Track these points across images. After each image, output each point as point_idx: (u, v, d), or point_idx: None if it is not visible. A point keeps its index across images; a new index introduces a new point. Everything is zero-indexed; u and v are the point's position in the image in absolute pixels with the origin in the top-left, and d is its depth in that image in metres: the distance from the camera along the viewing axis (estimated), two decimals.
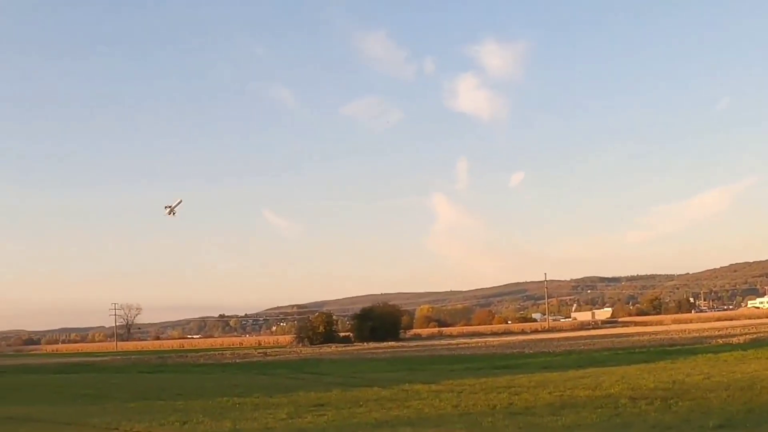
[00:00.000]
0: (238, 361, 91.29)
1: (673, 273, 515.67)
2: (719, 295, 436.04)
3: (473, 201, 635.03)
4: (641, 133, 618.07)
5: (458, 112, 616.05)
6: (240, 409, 31.59)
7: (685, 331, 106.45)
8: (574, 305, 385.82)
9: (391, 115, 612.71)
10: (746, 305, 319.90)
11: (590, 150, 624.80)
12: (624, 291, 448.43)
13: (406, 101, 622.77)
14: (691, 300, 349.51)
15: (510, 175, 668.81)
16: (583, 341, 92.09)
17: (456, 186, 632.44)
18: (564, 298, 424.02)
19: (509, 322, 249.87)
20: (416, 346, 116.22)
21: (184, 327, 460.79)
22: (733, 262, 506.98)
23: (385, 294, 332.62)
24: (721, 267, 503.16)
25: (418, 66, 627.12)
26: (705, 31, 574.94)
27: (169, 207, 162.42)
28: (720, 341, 68.55)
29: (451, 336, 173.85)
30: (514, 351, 76.62)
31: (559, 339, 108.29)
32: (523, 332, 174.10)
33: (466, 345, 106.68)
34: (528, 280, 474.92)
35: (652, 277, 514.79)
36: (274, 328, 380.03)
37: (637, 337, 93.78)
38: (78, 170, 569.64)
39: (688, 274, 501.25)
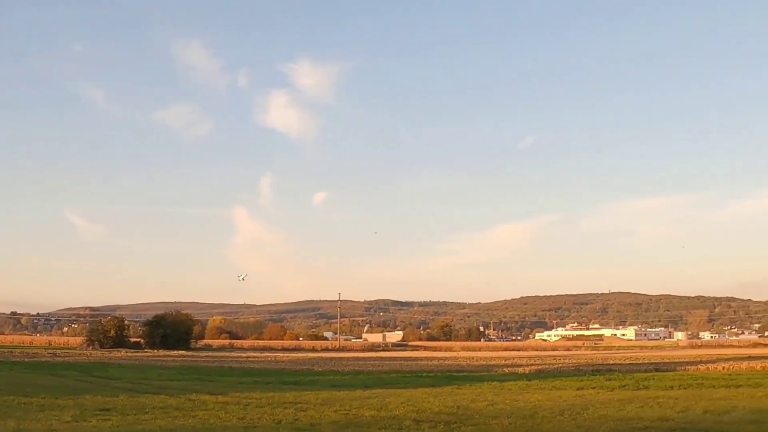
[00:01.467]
0: (27, 360, 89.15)
1: (465, 301, 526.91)
2: (509, 325, 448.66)
3: (275, 217, 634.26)
4: (447, 164, 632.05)
5: (267, 127, 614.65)
6: (25, 409, 30.97)
7: (473, 358, 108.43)
8: (366, 326, 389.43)
9: (201, 125, 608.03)
10: (534, 337, 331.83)
11: (395, 176, 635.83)
12: (416, 316, 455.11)
13: (217, 112, 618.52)
14: (481, 329, 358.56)
15: (314, 193, 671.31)
16: (372, 362, 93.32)
17: (259, 201, 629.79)
18: (357, 318, 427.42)
19: (301, 338, 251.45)
20: (206, 356, 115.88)
21: None
22: (524, 295, 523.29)
23: (179, 302, 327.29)
24: (512, 299, 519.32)
25: (231, 78, 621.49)
26: (513, 70, 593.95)
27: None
28: (506, 370, 70.37)
29: (242, 349, 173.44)
30: (304, 368, 77.40)
31: (348, 359, 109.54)
32: (313, 350, 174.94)
33: (256, 359, 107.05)
34: (322, 299, 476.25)
35: (445, 304, 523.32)
36: (65, 329, 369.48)
37: (425, 362, 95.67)
38: None
39: (479, 303, 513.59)
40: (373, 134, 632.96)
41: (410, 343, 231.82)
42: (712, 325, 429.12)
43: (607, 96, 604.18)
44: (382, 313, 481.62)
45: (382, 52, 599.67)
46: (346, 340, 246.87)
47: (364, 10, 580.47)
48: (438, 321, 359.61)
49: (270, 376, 61.14)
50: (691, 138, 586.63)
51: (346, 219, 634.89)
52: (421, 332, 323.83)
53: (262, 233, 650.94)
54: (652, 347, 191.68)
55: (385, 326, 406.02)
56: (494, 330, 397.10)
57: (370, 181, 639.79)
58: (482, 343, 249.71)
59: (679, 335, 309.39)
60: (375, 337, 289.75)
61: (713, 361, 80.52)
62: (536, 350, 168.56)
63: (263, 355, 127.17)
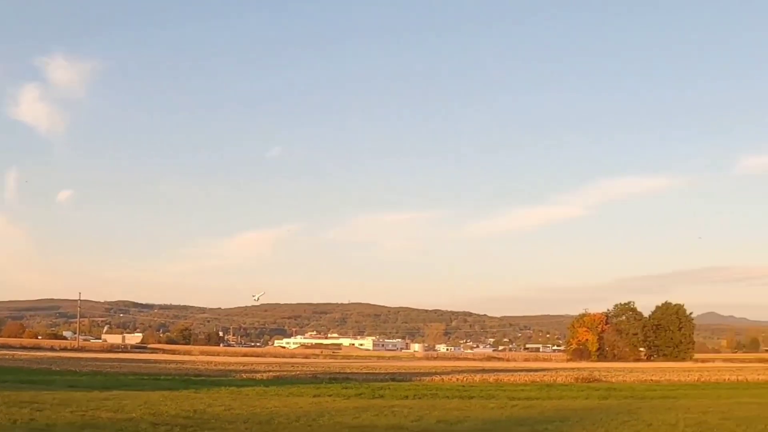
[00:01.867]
0: None
1: (205, 306, 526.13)
2: (248, 332, 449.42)
3: (18, 212, 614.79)
4: (194, 168, 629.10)
5: (16, 121, 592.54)
6: None
7: (211, 363, 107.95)
8: (106, 327, 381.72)
9: None
10: (273, 344, 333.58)
11: (142, 178, 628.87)
12: (156, 318, 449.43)
13: None
14: (221, 334, 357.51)
15: (59, 190, 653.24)
16: (110, 363, 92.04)
17: (3, 195, 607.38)
18: (97, 319, 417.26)
19: (40, 337, 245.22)
20: None
21: None
22: (264, 302, 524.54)
23: None
24: (252, 305, 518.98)
25: None
26: (267, 78, 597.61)
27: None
28: (244, 376, 70.68)
29: None
30: (42, 367, 76.07)
31: (87, 359, 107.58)
32: (52, 349, 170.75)
33: None
34: (63, 298, 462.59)
35: (185, 307, 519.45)
36: None
37: (164, 365, 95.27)
38: None
39: (219, 308, 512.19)
40: (123, 134, 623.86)
41: (150, 346, 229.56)
42: (449, 338, 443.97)
43: (360, 111, 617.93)
44: (122, 314, 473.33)
45: (138, 51, 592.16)
46: (85, 340, 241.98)
47: (124, 8, 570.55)
48: (178, 325, 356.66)
49: (7, 374, 59.97)
50: (436, 156, 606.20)
51: (90, 218, 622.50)
52: (161, 335, 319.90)
53: (3, 228, 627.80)
54: (389, 357, 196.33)
55: (125, 328, 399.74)
56: (234, 335, 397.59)
57: (118, 181, 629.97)
58: (221, 348, 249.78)
59: (416, 347, 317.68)
60: (114, 339, 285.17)
61: (448, 373, 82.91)
62: (275, 357, 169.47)
63: (1, 352, 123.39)
